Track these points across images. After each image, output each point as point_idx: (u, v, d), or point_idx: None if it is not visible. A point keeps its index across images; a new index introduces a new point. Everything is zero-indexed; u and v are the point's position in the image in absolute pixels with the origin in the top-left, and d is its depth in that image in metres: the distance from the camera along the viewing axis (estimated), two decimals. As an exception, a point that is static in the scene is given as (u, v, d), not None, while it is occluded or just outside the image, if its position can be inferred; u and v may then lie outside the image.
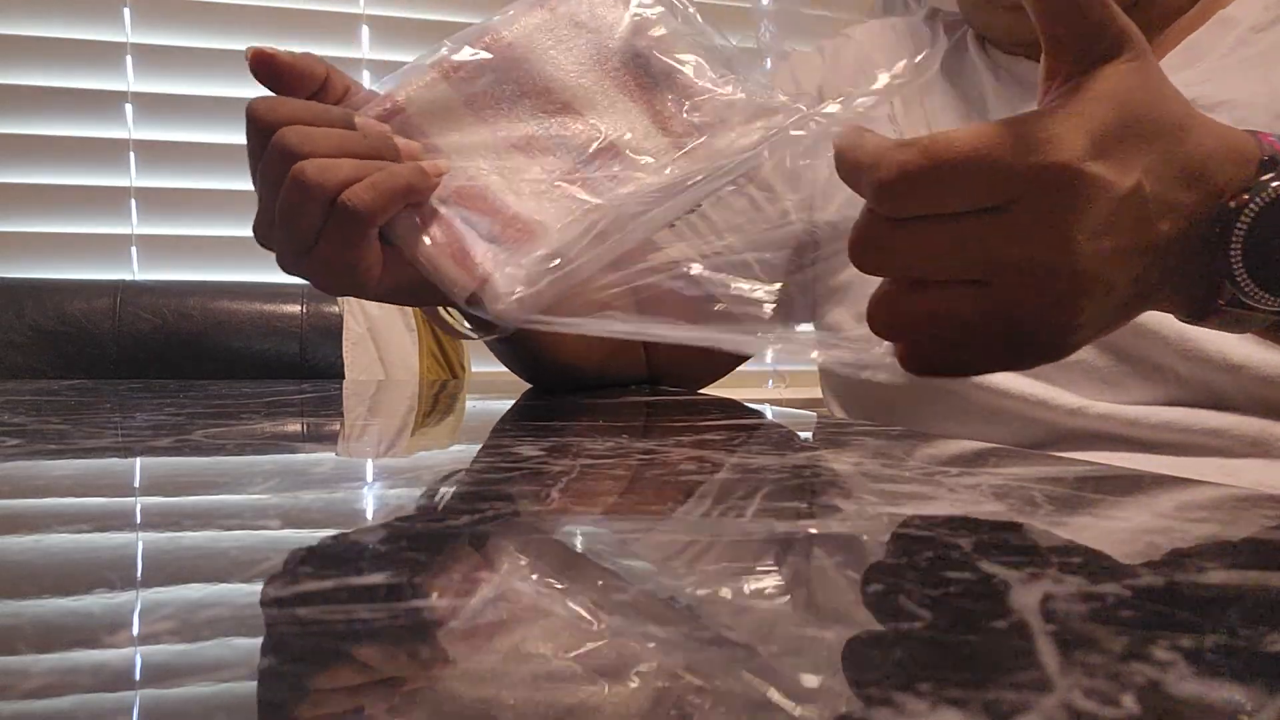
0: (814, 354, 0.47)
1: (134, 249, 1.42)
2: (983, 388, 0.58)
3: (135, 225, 1.42)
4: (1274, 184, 0.34)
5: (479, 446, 0.42)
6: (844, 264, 0.68)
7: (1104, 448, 0.54)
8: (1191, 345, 0.52)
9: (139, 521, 0.26)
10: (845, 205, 0.68)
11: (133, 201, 1.41)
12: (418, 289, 0.51)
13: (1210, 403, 0.53)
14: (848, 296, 0.68)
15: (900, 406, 0.63)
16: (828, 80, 0.74)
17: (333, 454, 0.41)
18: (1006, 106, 0.65)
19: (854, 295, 0.67)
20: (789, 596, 0.20)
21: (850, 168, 0.35)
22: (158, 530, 0.25)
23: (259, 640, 0.17)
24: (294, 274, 0.49)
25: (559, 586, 0.20)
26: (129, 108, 1.40)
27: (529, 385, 0.69)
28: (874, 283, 0.38)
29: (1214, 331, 0.52)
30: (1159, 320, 0.52)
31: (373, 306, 1.13)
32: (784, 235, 0.73)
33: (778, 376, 1.95)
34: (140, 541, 0.24)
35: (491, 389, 0.70)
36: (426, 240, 0.49)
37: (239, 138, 0.49)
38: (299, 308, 1.12)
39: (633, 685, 0.15)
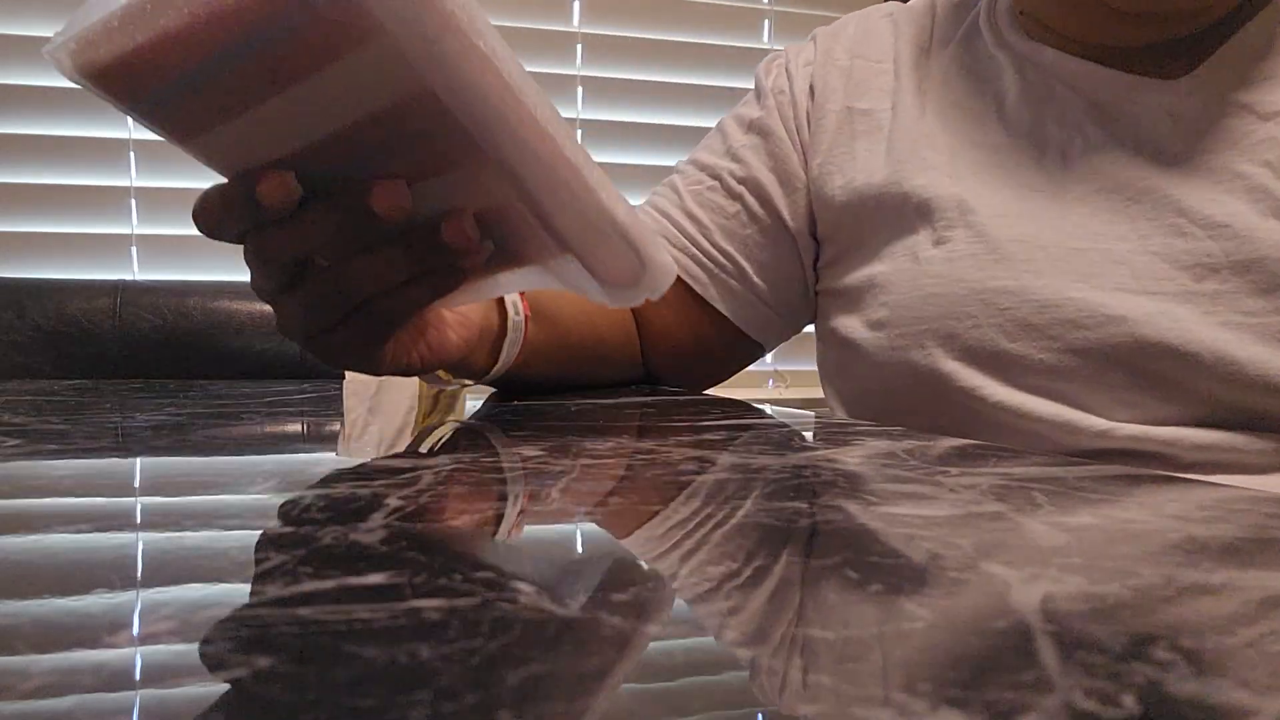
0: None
1: (134, 249, 1.42)
2: (1003, 408, 0.56)
3: (135, 225, 1.42)
4: None
5: (479, 446, 0.41)
6: (851, 267, 0.67)
7: (1129, 464, 0.53)
8: (1234, 369, 0.52)
9: (139, 521, 0.26)
10: (847, 189, 0.67)
11: (133, 201, 1.41)
12: (418, 366, 0.51)
13: (1243, 423, 0.52)
14: (858, 302, 0.66)
15: (912, 421, 0.61)
16: (818, 73, 0.73)
17: (333, 454, 0.41)
18: (1028, 100, 0.62)
19: (866, 301, 0.64)
20: (789, 595, 0.20)
21: None
22: (158, 530, 0.25)
23: (259, 640, 0.17)
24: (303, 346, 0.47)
25: (561, 585, 0.20)
26: (129, 108, 1.40)
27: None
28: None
29: (1255, 353, 0.52)
30: (1198, 343, 0.52)
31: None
32: (781, 245, 0.72)
33: (778, 376, 1.95)
34: (140, 541, 0.24)
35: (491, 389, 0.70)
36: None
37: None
38: (299, 308, 1.11)
39: (630, 684, 0.15)
